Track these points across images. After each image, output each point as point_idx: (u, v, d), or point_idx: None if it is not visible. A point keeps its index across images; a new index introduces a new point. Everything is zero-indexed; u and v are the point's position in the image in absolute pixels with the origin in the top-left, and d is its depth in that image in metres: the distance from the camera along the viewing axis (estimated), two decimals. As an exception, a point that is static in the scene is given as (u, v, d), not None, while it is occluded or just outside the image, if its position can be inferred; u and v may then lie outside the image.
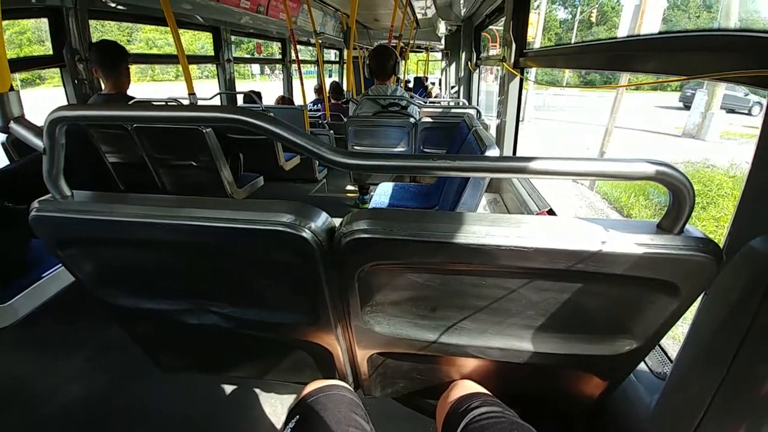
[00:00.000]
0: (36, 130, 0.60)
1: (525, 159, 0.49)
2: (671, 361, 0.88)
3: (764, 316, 0.52)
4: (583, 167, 0.48)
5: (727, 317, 0.58)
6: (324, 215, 0.59)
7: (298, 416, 0.67)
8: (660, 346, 0.91)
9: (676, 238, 0.50)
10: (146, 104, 1.95)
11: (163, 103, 2.12)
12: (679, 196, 0.47)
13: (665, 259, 0.50)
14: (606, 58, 1.21)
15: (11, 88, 0.59)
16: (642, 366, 0.88)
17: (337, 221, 0.59)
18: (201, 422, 1.25)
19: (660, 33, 0.93)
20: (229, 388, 1.36)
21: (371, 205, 2.06)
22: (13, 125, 0.60)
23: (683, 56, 0.83)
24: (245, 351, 0.95)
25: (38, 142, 0.59)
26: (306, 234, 0.56)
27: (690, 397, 0.66)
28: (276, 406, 1.30)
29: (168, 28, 2.25)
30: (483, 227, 0.53)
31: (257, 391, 1.35)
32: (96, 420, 1.26)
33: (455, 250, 0.53)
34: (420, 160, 0.52)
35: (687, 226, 0.51)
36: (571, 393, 0.81)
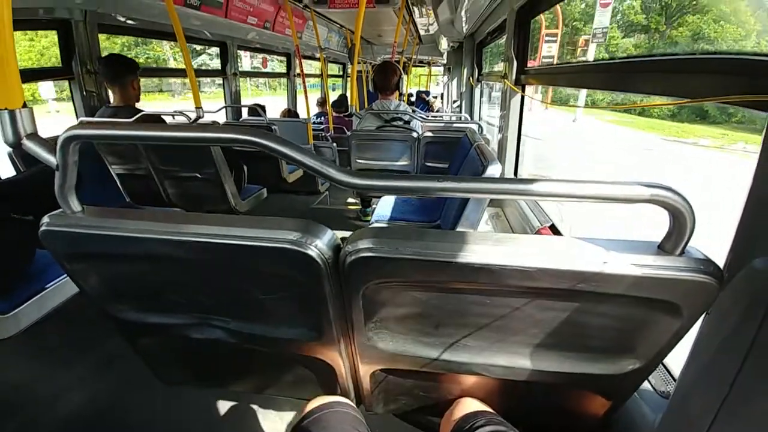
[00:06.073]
0: (49, 147, 0.62)
1: (525, 181, 0.50)
2: (674, 380, 0.88)
3: (765, 335, 0.52)
4: (583, 190, 0.49)
5: (729, 336, 0.59)
6: (330, 233, 0.60)
7: None
8: (663, 365, 0.91)
9: (678, 259, 0.50)
10: (157, 124, 1.97)
11: (172, 118, 2.15)
12: (679, 219, 0.48)
13: (666, 280, 0.50)
14: (606, 78, 1.23)
15: (24, 105, 0.60)
16: (646, 385, 0.88)
17: (340, 233, 0.60)
18: None
19: (660, 54, 0.95)
20: (230, 403, 1.35)
21: (373, 218, 2.08)
22: (25, 142, 0.61)
23: (683, 78, 0.85)
24: (248, 365, 0.95)
25: (51, 159, 0.60)
26: (312, 252, 0.56)
27: (693, 416, 0.66)
28: (276, 421, 1.29)
29: (153, 52, 2.29)
30: (486, 247, 0.54)
31: (259, 406, 1.34)
32: (97, 431, 1.25)
33: (459, 269, 0.54)
34: (425, 182, 0.53)
35: (688, 247, 0.51)
36: (575, 412, 0.81)
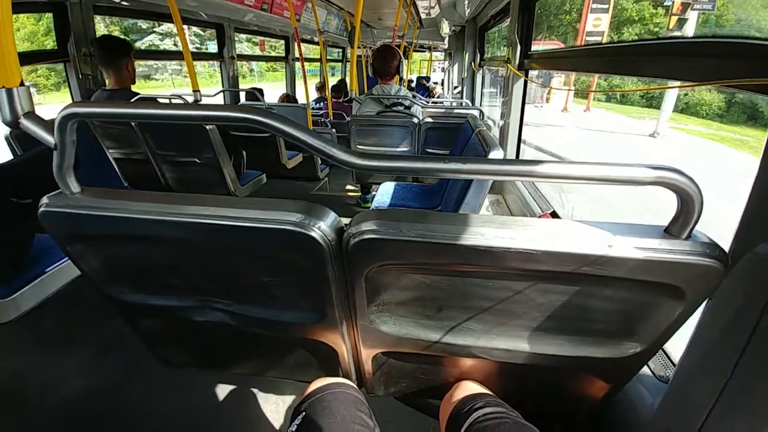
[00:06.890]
0: (47, 126, 0.60)
1: (529, 162, 0.49)
2: (674, 365, 0.89)
3: (767, 321, 0.52)
4: (588, 171, 0.47)
5: (731, 322, 0.59)
6: (333, 215, 0.60)
7: (303, 414, 0.67)
8: (663, 349, 0.92)
9: (684, 243, 0.50)
10: (154, 103, 1.95)
11: (168, 101, 2.12)
12: (687, 202, 0.47)
13: (672, 264, 0.50)
14: (611, 62, 1.21)
15: (21, 83, 0.59)
16: (645, 369, 0.89)
17: (344, 220, 0.59)
18: (203, 419, 1.26)
19: (666, 38, 0.93)
20: (231, 386, 1.36)
21: (374, 204, 2.07)
22: (23, 121, 0.60)
23: (688, 62, 0.83)
24: (249, 348, 0.95)
25: (49, 138, 0.59)
26: (315, 233, 0.56)
27: (692, 400, 0.67)
28: (278, 403, 1.31)
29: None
30: (491, 229, 0.53)
31: (260, 388, 1.36)
32: (98, 415, 1.26)
33: (463, 251, 0.54)
34: (430, 162, 0.52)
35: (694, 231, 0.51)
36: (574, 394, 0.82)
